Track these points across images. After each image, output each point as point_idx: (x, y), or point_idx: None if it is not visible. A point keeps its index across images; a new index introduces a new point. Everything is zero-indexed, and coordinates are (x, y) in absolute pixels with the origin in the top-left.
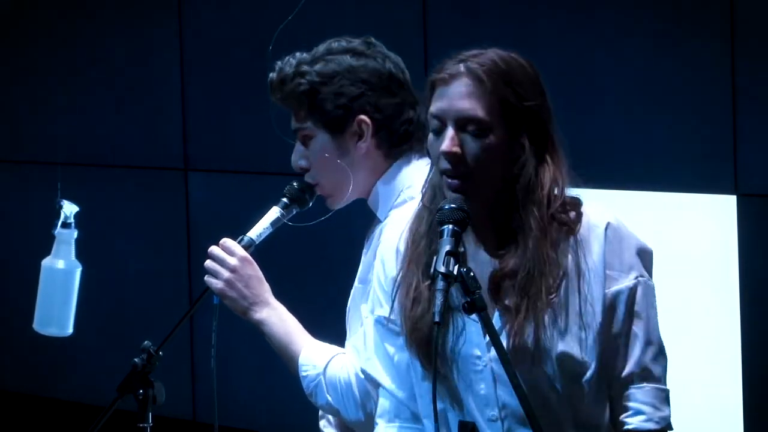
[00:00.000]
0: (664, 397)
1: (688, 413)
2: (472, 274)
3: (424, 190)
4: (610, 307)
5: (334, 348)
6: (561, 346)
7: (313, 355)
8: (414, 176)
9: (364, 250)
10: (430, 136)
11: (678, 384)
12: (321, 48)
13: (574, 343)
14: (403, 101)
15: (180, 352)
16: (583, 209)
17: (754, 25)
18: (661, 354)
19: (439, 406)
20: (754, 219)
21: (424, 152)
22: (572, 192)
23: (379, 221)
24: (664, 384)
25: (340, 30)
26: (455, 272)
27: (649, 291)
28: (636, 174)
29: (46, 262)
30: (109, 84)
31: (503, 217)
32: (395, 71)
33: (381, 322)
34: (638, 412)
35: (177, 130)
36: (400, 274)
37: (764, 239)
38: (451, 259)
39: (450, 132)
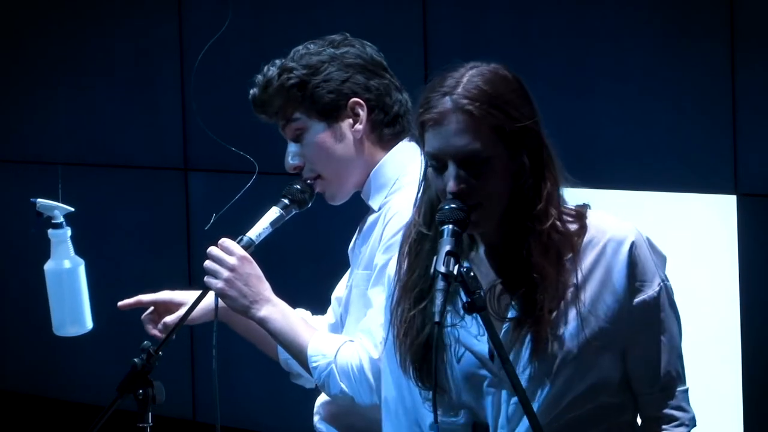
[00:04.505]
0: (686, 397)
1: None
2: (472, 273)
3: (417, 210)
4: (636, 316)
5: (341, 337)
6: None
7: (321, 345)
8: (407, 163)
9: (358, 241)
10: (430, 171)
11: None
12: (298, 49)
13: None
14: (390, 83)
15: (180, 352)
16: (596, 220)
17: (754, 25)
18: (680, 356)
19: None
20: (754, 219)
21: (414, 137)
22: (579, 200)
23: (373, 211)
24: (685, 383)
25: (340, 32)
26: (455, 272)
27: (671, 292)
28: (636, 174)
29: (47, 266)
30: (109, 84)
31: (508, 232)
32: (376, 56)
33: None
34: (671, 418)
35: (177, 130)
36: (394, 301)
37: (764, 239)
38: (452, 259)
39: (453, 171)
